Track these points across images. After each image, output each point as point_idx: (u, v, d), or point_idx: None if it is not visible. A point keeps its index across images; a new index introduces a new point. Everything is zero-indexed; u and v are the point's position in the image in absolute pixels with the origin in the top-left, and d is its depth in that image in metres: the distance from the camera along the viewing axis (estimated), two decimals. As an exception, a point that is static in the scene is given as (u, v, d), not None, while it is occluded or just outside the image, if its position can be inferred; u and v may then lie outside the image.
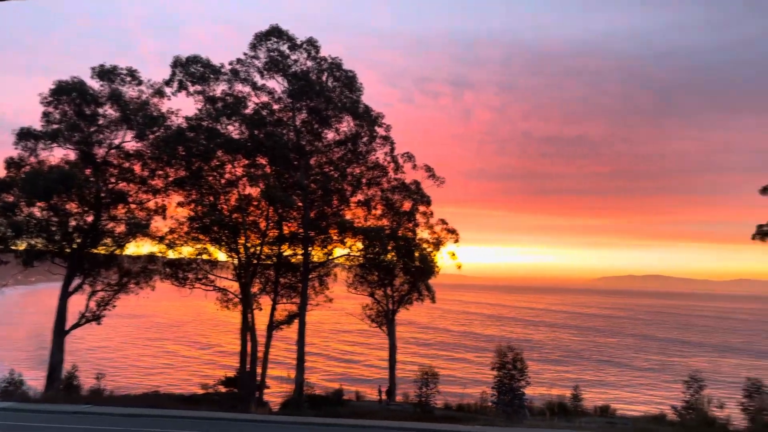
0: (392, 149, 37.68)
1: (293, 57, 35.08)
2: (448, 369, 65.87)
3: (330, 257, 38.26)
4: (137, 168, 34.90)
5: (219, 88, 34.83)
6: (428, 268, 38.43)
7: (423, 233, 40.03)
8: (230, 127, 34.89)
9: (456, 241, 40.08)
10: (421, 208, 39.79)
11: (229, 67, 34.78)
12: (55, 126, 33.06)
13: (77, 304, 35.23)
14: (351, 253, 38.25)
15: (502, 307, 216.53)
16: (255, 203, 36.44)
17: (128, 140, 34.30)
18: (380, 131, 36.96)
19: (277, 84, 35.51)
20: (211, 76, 34.43)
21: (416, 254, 38.58)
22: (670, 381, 61.37)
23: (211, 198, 35.56)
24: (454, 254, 39.86)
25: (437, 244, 39.78)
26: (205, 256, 36.22)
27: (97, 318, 34.99)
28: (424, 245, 39.54)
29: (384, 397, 37.29)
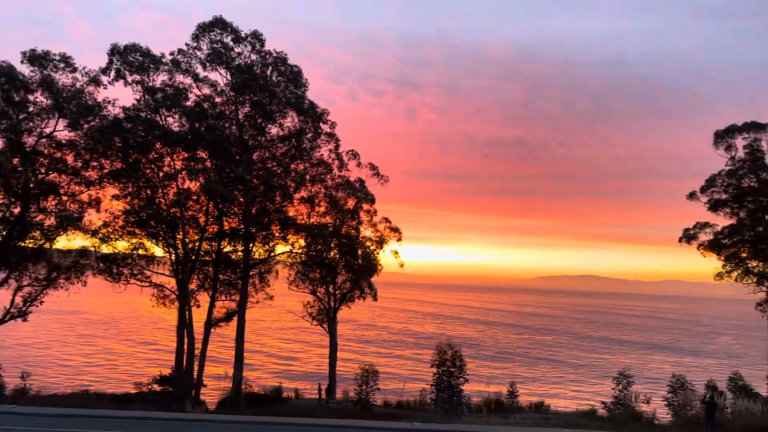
0: (337, 146, 37.57)
1: (237, 50, 34.45)
2: (388, 366, 66.27)
3: (272, 254, 37.80)
4: (70, 158, 33.43)
5: (159, 79, 33.85)
6: (371, 266, 38.51)
7: (366, 231, 40.14)
8: (170, 119, 33.97)
9: (399, 239, 40.36)
10: (365, 206, 39.85)
11: (170, 57, 33.83)
12: (-20, 112, 31.32)
13: (2, 299, 33.58)
14: (293, 251, 37.93)
15: (442, 306, 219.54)
16: (194, 198, 35.60)
17: (60, 129, 32.82)
18: (325, 128, 36.77)
19: (219, 77, 34.83)
20: (151, 65, 33.40)
21: (359, 252, 38.60)
22: (601, 378, 63.73)
23: (149, 191, 34.52)
24: (396, 252, 40.11)
25: (380, 242, 39.92)
26: (141, 251, 35.13)
27: (23, 314, 33.44)
28: (367, 243, 39.63)
29: (324, 395, 37.18)
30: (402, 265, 40.28)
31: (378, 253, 39.31)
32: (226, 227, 36.28)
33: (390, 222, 40.51)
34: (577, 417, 33.00)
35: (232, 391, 34.72)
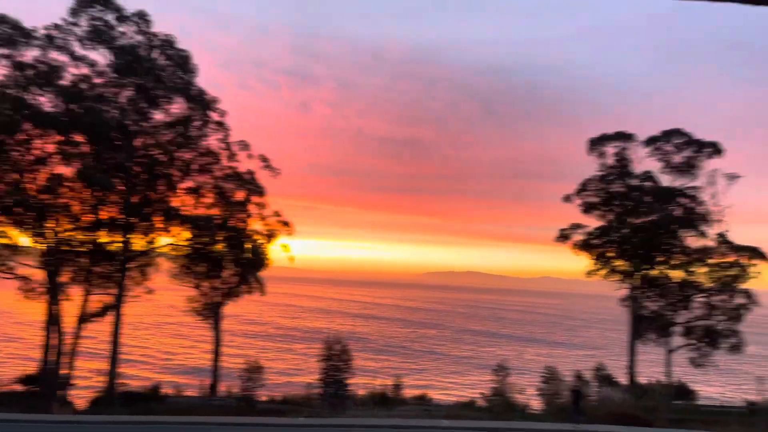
0: (226, 136, 36.42)
1: (120, 29, 32.48)
2: (275, 362, 65.39)
3: (153, 246, 36.04)
4: None
5: (30, 54, 31.20)
6: (259, 260, 37.73)
7: (256, 224, 39.22)
8: (42, 98, 31.41)
9: (290, 233, 39.76)
10: (255, 199, 38.90)
11: (43, 31, 31.28)
12: None
13: None
14: (177, 243, 36.36)
15: (332, 300, 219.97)
16: (68, 184, 33.16)
17: None
18: (214, 116, 35.55)
19: (100, 56, 32.66)
20: (21, 39, 30.71)
21: (247, 246, 37.69)
22: (482, 370, 66.61)
23: (15, 176, 31.76)
24: (287, 246, 39.55)
25: (270, 236, 39.16)
26: (4, 241, 32.26)
27: None
28: (256, 237, 38.76)
29: (206, 391, 36.04)
30: (292, 260, 39.81)
31: (267, 247, 38.59)
32: (104, 216, 34.12)
33: (281, 215, 39.87)
34: (457, 408, 34.27)
35: (106, 389, 32.81)
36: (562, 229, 46.61)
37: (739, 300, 41.10)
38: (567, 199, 46.58)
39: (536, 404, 36.30)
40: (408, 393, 38.60)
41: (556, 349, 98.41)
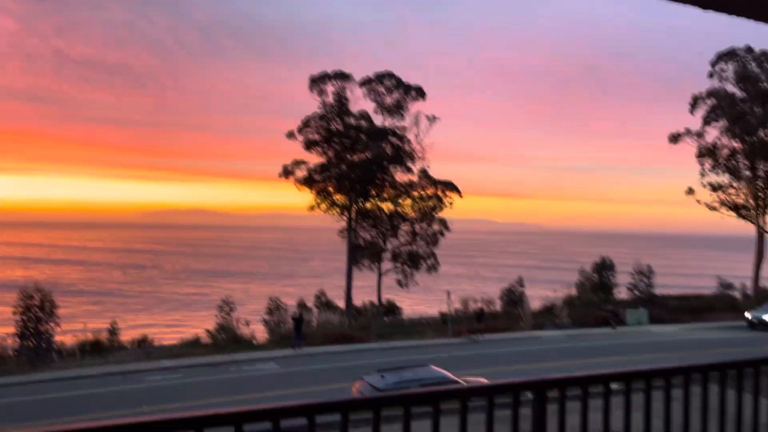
0: None
1: None
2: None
3: None
4: None
5: None
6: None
7: None
8: None
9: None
10: None
11: None
12: None
13: None
14: None
15: (33, 247, 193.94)
16: None
17: None
18: None
19: None
20: None
21: None
22: (206, 308, 65.80)
23: None
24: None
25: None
26: None
27: None
28: None
29: None
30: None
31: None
32: None
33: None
34: (180, 347, 33.39)
35: None
36: (285, 166, 47.55)
37: (436, 227, 47.13)
38: (290, 135, 47.42)
39: (262, 335, 37.23)
40: (127, 338, 36.26)
41: (282, 281, 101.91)
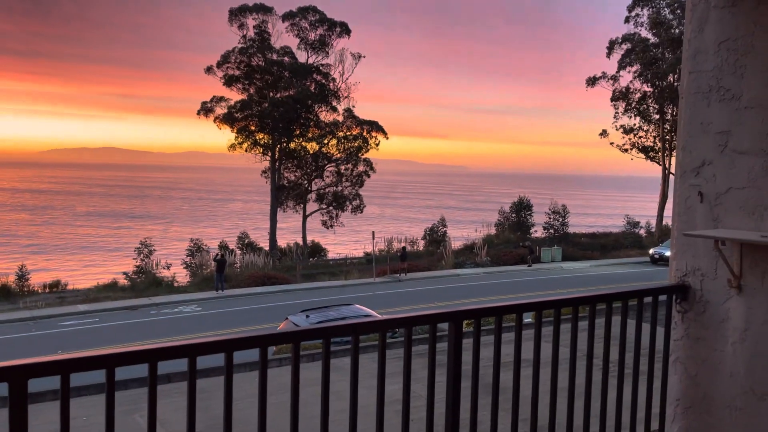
0: None
1: None
2: None
3: None
4: None
5: None
6: None
7: None
8: None
9: None
10: None
11: None
12: None
13: None
14: None
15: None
16: None
17: None
18: None
19: None
20: None
21: None
22: (124, 251, 63.57)
23: None
24: None
25: None
26: None
27: None
28: None
29: None
30: None
31: None
32: None
33: None
34: (97, 291, 32.29)
35: None
36: (204, 102, 45.65)
37: (361, 168, 46.97)
38: (209, 70, 45.36)
39: (183, 278, 36.48)
40: (37, 283, 34.61)
41: (202, 223, 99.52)
